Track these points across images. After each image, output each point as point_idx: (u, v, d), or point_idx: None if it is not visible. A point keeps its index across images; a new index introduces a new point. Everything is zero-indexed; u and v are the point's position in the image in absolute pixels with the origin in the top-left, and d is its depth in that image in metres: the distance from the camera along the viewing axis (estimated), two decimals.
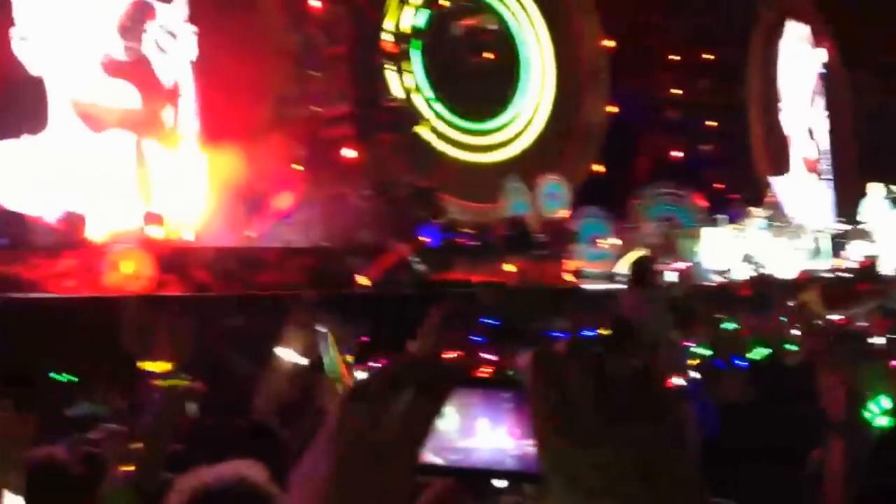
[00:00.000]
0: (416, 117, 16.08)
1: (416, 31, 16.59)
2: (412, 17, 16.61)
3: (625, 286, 12.57)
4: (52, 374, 7.59)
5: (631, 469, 0.83)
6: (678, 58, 19.74)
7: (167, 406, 3.31)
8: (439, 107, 16.86)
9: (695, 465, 0.86)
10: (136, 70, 13.45)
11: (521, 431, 0.92)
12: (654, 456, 0.84)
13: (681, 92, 19.83)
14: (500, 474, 0.94)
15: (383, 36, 16.03)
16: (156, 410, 3.30)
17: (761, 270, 16.52)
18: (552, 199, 16.99)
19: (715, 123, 19.97)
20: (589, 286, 14.65)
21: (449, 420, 0.94)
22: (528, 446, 0.90)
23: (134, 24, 13.36)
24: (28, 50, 12.45)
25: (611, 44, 19.14)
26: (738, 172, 19.72)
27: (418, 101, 16.52)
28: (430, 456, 0.93)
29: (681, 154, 19.62)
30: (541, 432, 0.87)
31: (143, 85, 13.43)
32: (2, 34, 12.16)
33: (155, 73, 13.66)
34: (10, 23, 12.31)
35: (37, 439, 3.73)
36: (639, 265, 12.21)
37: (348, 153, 14.76)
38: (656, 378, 0.91)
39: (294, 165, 14.86)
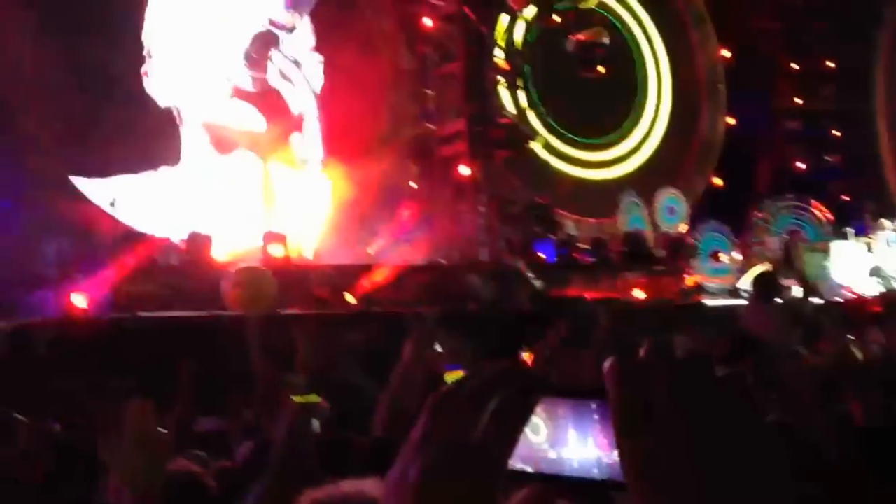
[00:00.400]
0: (530, 133, 16.05)
1: (529, 47, 16.58)
2: (524, 33, 16.61)
3: (748, 302, 12.27)
4: (176, 391, 7.78)
5: (713, 478, 0.83)
6: (797, 66, 19.24)
7: (300, 423, 3.36)
8: (553, 122, 16.80)
9: (784, 484, 0.85)
10: (263, 98, 13.88)
11: (609, 440, 0.92)
12: (737, 467, 0.83)
13: (801, 101, 19.32)
14: (588, 483, 0.95)
15: (496, 52, 16.06)
16: (288, 427, 3.35)
17: (893, 285, 15.90)
18: (670, 213, 16.75)
19: (839, 133, 19.35)
20: (710, 302, 14.36)
21: (537, 428, 0.96)
22: (616, 455, 0.90)
23: (259, 55, 13.76)
24: (158, 83, 13.05)
25: (727, 53, 18.80)
26: (865, 183, 19.01)
27: (532, 117, 16.50)
28: (518, 463, 0.95)
29: (804, 165, 19.09)
30: (623, 439, 0.88)
31: (268, 112, 13.84)
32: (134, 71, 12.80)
33: (280, 100, 14.07)
34: (141, 59, 12.95)
35: (171, 453, 3.85)
36: (763, 280, 11.88)
37: (463, 170, 14.84)
38: (747, 387, 0.90)
39: (411, 183, 15.05)
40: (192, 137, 13.31)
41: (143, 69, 13.08)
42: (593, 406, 0.94)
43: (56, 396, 6.89)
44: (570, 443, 0.95)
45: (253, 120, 13.73)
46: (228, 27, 13.81)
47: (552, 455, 0.96)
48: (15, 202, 11.84)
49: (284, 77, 14.01)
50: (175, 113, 13.21)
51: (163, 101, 13.11)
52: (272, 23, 13.92)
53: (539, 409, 0.95)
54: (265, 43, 13.81)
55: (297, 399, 3.32)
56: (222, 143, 13.44)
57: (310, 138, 14.19)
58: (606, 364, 0.89)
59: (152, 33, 13.19)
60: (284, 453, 3.20)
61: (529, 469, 0.96)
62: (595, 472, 0.94)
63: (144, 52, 13.12)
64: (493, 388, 0.92)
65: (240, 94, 13.76)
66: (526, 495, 1.19)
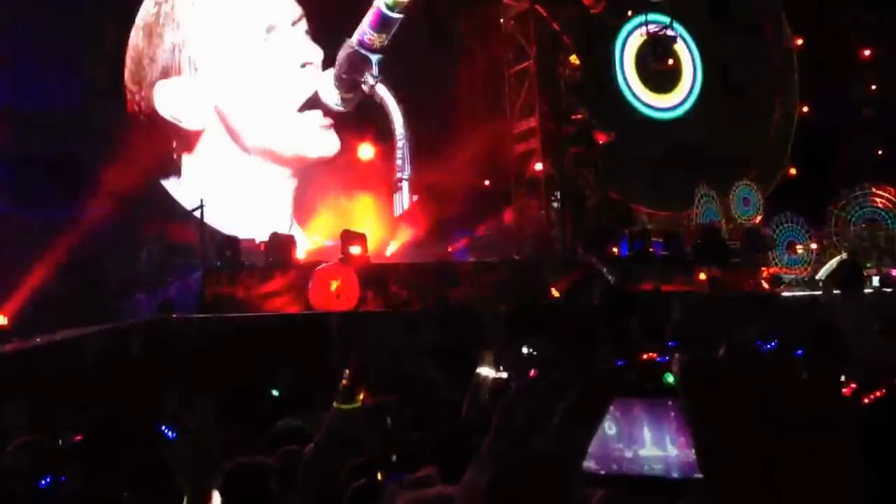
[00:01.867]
0: (603, 130, 16.03)
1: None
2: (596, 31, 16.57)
3: (826, 292, 12.20)
4: (263, 389, 7.94)
5: (791, 481, 0.80)
6: (871, 54, 18.92)
7: (335, 427, 3.34)
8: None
9: (858, 490, 0.82)
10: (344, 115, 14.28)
11: (686, 439, 0.91)
12: (815, 470, 0.80)
13: (876, 89, 18.99)
14: (665, 482, 0.94)
15: (568, 50, 16.05)
16: (329, 430, 3.36)
17: None
18: (745, 204, 16.64)
19: None
20: (788, 293, 14.25)
21: (612, 428, 0.95)
22: (693, 454, 0.88)
23: (349, 76, 14.04)
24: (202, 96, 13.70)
25: (800, 41, 18.60)
26: None
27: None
28: (592, 464, 0.94)
29: (880, 152, 18.76)
30: (699, 441, 0.84)
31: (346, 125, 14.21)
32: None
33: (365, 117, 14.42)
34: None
35: (248, 450, 3.97)
36: (842, 270, 11.79)
37: (537, 166, 14.90)
38: (831, 388, 0.87)
39: (486, 181, 15.18)
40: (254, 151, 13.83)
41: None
42: (669, 404, 0.93)
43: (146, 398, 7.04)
44: (647, 442, 0.95)
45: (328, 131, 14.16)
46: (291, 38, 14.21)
47: (628, 455, 0.95)
48: (107, 210, 12.25)
49: (373, 96, 14.22)
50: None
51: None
52: (360, 44, 14.11)
53: (613, 409, 0.93)
54: (354, 64, 14.04)
55: (337, 405, 3.38)
56: (278, 158, 13.94)
57: (396, 149, 14.46)
58: (675, 363, 0.85)
59: (192, 44, 13.72)
60: (318, 454, 3.28)
61: (606, 470, 0.95)
62: (672, 472, 0.93)
63: (183, 63, 13.64)
64: (563, 389, 0.89)
65: (328, 113, 14.17)
66: (603, 496, 1.23)
